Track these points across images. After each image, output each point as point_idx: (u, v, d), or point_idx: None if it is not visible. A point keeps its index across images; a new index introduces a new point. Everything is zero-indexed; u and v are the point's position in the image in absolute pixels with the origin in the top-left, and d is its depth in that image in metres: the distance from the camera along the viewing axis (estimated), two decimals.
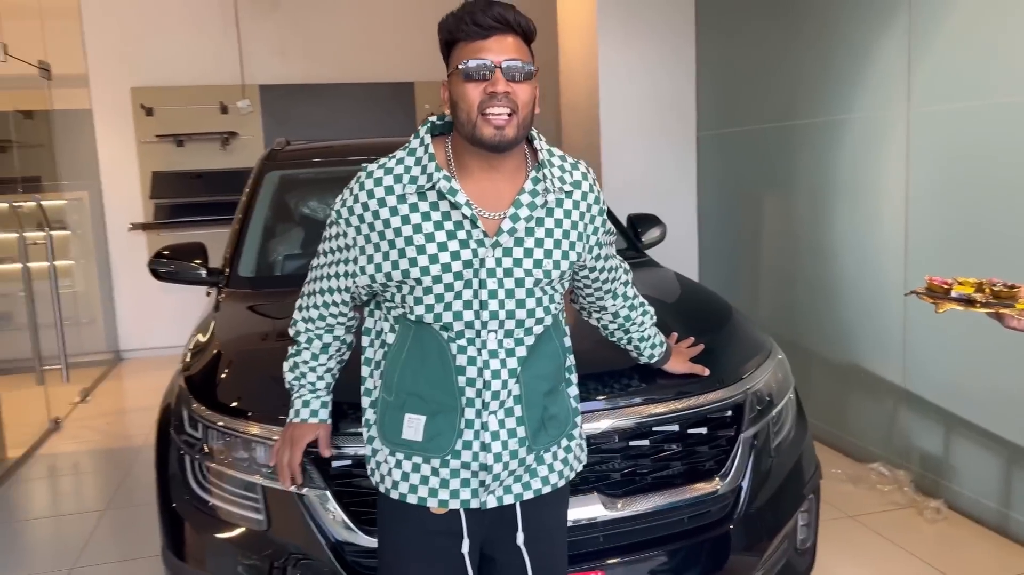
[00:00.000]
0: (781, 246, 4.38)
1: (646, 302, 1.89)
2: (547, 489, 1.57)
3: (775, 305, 4.48)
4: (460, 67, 1.42)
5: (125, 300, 6.74)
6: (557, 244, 1.51)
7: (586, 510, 1.82)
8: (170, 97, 6.69)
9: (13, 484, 4.15)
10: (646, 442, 1.91)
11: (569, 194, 1.54)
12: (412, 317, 1.51)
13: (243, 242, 2.94)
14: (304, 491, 1.81)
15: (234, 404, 1.97)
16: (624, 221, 3.37)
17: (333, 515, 1.80)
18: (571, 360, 1.67)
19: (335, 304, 1.63)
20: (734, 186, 4.81)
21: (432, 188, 1.45)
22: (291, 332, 1.69)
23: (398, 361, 1.53)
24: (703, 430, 1.96)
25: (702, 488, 1.93)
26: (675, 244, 5.06)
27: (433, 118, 1.54)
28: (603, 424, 1.86)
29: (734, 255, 4.86)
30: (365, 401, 1.61)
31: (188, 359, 2.26)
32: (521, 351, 1.51)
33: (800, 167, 4.16)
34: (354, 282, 1.55)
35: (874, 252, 3.67)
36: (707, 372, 1.98)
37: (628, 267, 1.85)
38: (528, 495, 1.56)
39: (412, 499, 1.52)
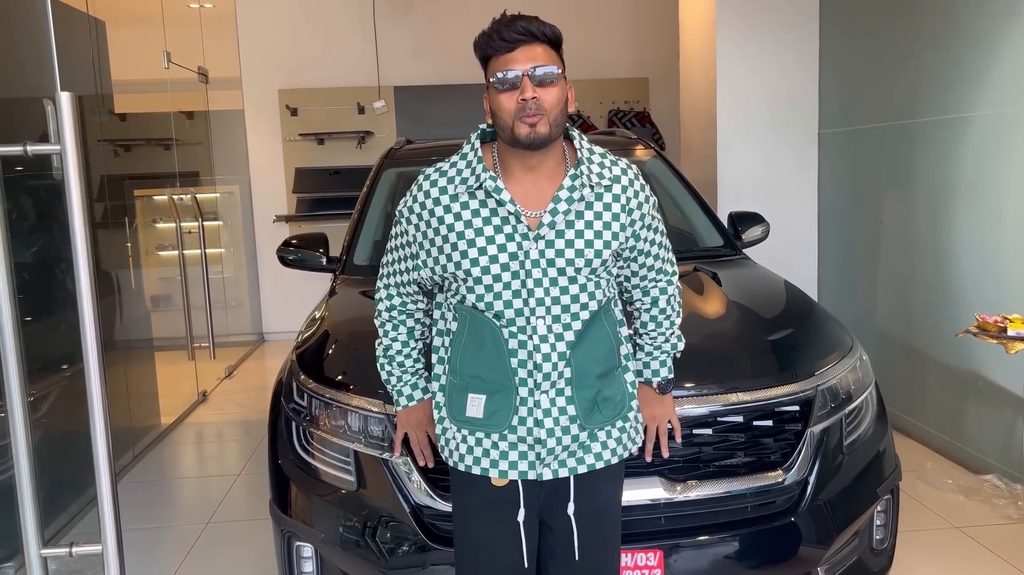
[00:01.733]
0: (900, 248, 4.25)
1: (676, 326, 1.88)
2: (600, 465, 1.69)
3: (893, 307, 4.35)
4: (492, 80, 1.61)
5: (269, 286, 7.28)
6: (598, 235, 1.64)
7: (646, 492, 1.92)
8: (312, 98, 7.17)
9: (165, 446, 4.63)
10: (709, 431, 1.98)
11: (608, 188, 1.67)
12: (468, 305, 1.67)
13: (359, 233, 3.20)
14: (389, 457, 2.00)
15: (337, 378, 2.20)
16: (725, 220, 3.39)
17: (415, 482, 1.98)
18: (627, 348, 1.77)
19: (408, 293, 1.80)
20: (855, 186, 4.69)
21: (480, 187, 1.62)
22: (376, 323, 1.85)
23: (459, 346, 1.69)
24: (769, 422, 2.02)
25: (766, 478, 1.99)
26: (794, 244, 4.98)
27: (483, 126, 1.72)
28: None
29: (854, 256, 4.74)
30: (434, 386, 1.78)
31: (301, 337, 2.52)
32: (570, 335, 1.64)
33: (920, 167, 4.02)
34: (419, 274, 1.72)
35: (996, 255, 3.52)
36: (649, 459, 1.89)
37: (675, 278, 1.88)
38: (582, 469, 1.68)
39: (476, 471, 1.68)
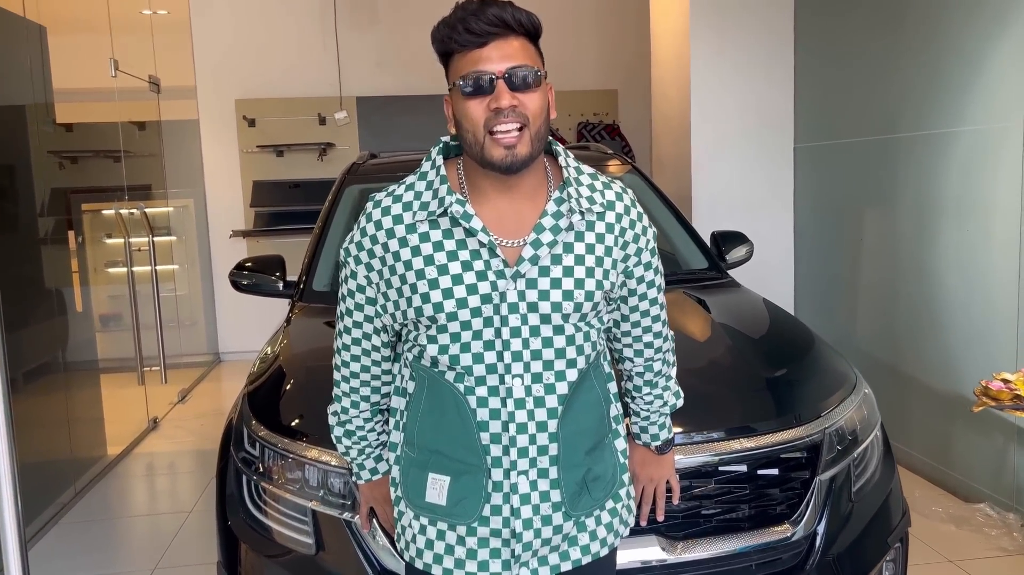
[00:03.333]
0: (882, 266, 4.13)
1: (672, 380, 1.60)
2: (587, 559, 1.39)
3: (874, 328, 4.22)
4: (458, 83, 1.28)
5: (225, 303, 6.98)
6: (589, 272, 1.33)
7: (642, 552, 1.73)
8: (271, 108, 6.90)
9: (111, 480, 4.33)
10: (711, 482, 1.79)
11: (601, 215, 1.36)
12: (426, 361, 1.36)
13: (319, 255, 2.96)
14: (351, 518, 1.78)
15: (293, 425, 1.97)
16: (708, 239, 3.22)
17: (381, 544, 1.76)
18: (617, 408, 1.48)
19: (375, 360, 1.45)
20: (833, 202, 4.57)
21: (444, 214, 1.31)
22: (334, 391, 1.51)
23: (416, 413, 1.38)
24: (775, 471, 1.83)
25: (772, 533, 1.81)
26: (769, 262, 4.84)
27: (446, 138, 1.40)
28: None
29: (832, 274, 4.61)
30: (391, 456, 1.46)
31: (253, 375, 2.28)
32: (552, 401, 1.33)
33: (904, 182, 3.90)
34: (381, 322, 1.40)
35: (984, 274, 3.40)
36: (644, 523, 1.64)
37: (670, 335, 1.57)
38: (566, 566, 1.38)
39: (437, 571, 1.36)
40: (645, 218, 1.45)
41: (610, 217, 1.37)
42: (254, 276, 2.92)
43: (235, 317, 6.95)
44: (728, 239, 3.12)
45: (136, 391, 5.23)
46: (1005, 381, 1.46)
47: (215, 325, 7.03)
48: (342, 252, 1.42)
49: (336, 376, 1.49)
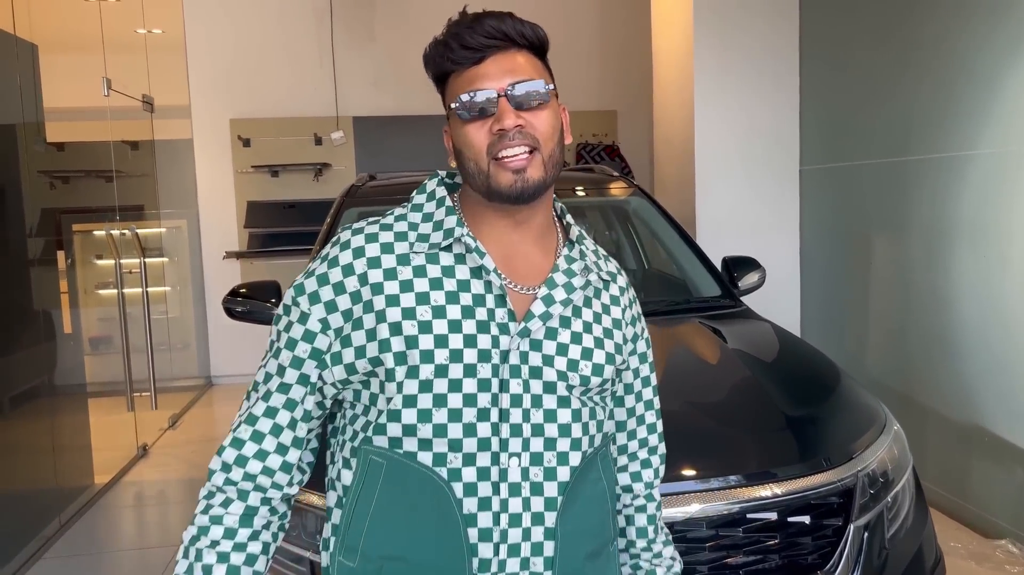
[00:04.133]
0: (893, 292, 4.03)
1: (670, 540, 1.33)
2: None
3: (885, 357, 4.12)
4: (454, 106, 1.10)
5: (217, 326, 6.84)
6: (599, 343, 1.15)
7: None
8: (266, 128, 6.81)
9: (98, 511, 4.18)
10: (739, 531, 1.67)
11: (607, 284, 1.21)
12: (382, 442, 1.08)
13: None
14: None
15: None
16: (719, 264, 3.12)
17: None
18: (621, 519, 1.29)
19: (293, 432, 1.11)
20: (841, 225, 4.48)
21: (448, 248, 1.10)
22: (204, 492, 1.12)
23: (364, 508, 1.09)
24: (806, 519, 1.71)
25: None
26: (774, 287, 4.73)
27: (443, 173, 1.22)
28: (691, 509, 1.64)
29: (840, 301, 4.51)
30: (324, 557, 1.15)
31: None
32: (552, 489, 1.09)
33: (915, 206, 3.81)
34: (320, 393, 1.11)
35: (1001, 301, 3.30)
36: None
37: (662, 458, 1.32)
38: None
39: None
40: (638, 303, 1.29)
41: (614, 289, 1.22)
42: (248, 303, 2.81)
43: (228, 340, 6.81)
44: (740, 265, 3.02)
45: (125, 417, 5.08)
46: None
47: (207, 348, 6.89)
48: (291, 292, 1.13)
49: (215, 466, 1.11)
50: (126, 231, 5.43)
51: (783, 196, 4.84)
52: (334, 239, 1.14)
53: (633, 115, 7.10)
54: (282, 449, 1.11)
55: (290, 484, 1.13)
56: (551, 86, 1.14)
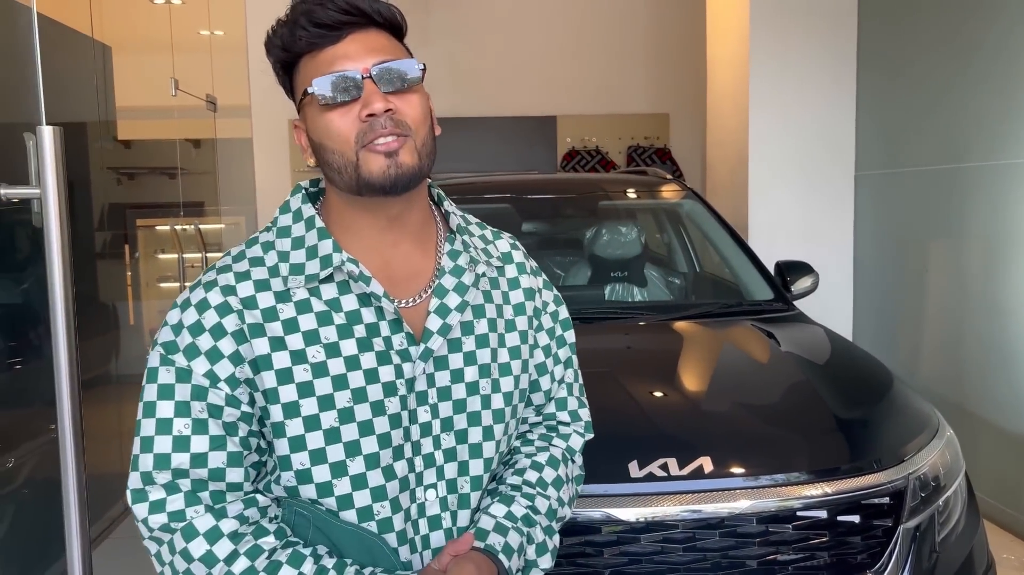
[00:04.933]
0: (948, 299, 3.98)
1: (563, 510, 1.15)
2: None
3: (939, 366, 4.07)
4: (311, 91, 0.97)
5: None
6: (502, 340, 1.06)
7: None
8: None
9: None
10: (788, 527, 1.70)
11: (501, 270, 1.11)
12: (303, 498, 0.98)
13: None
14: None
15: None
16: (772, 268, 3.13)
17: None
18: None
19: (236, 489, 0.97)
20: (896, 232, 4.44)
21: (330, 278, 0.99)
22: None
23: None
24: (856, 518, 1.74)
25: None
26: (827, 293, 4.71)
27: (304, 183, 1.09)
28: (741, 504, 1.67)
29: (893, 308, 4.47)
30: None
31: None
32: (464, 518, 1.03)
33: (972, 214, 3.77)
34: (238, 437, 0.97)
35: None
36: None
37: (588, 435, 1.22)
38: None
39: None
40: (542, 274, 1.19)
41: (510, 271, 1.13)
42: None
43: None
44: (793, 269, 3.03)
45: None
46: None
47: None
48: (158, 349, 0.98)
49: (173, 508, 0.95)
50: (188, 227, 5.61)
51: (838, 202, 4.81)
52: (195, 283, 1.01)
53: (686, 118, 7.10)
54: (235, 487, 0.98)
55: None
56: (421, 66, 1.02)
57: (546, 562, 1.08)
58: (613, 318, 2.67)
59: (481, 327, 1.05)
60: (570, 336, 1.20)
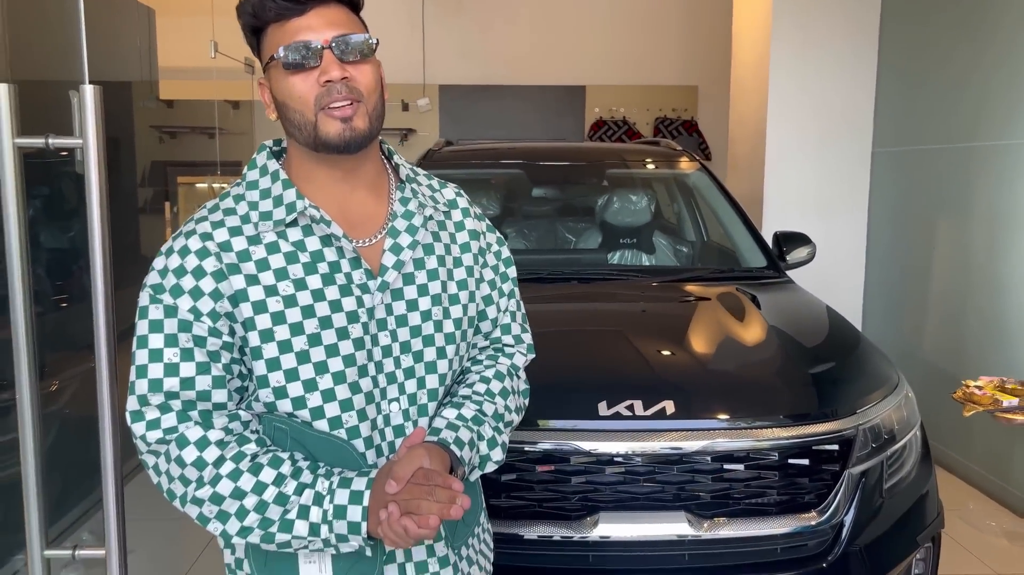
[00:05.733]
0: (953, 276, 4.08)
1: (508, 419, 1.30)
2: None
3: (941, 339, 4.18)
4: (278, 56, 1.12)
5: None
6: (451, 275, 1.23)
7: (671, 527, 1.83)
8: None
9: None
10: (741, 467, 1.88)
11: (448, 215, 1.28)
12: (280, 412, 1.13)
13: None
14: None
15: None
16: (770, 240, 3.27)
17: None
18: None
19: (228, 412, 1.12)
20: (908, 208, 4.52)
21: (294, 223, 1.14)
22: (206, 475, 1.08)
23: None
24: (806, 461, 1.91)
25: (798, 520, 1.88)
26: (839, 267, 4.83)
27: (269, 144, 1.25)
28: (696, 444, 1.85)
29: (902, 283, 4.57)
30: (228, 551, 1.22)
31: None
32: (424, 423, 1.20)
33: (979, 192, 3.85)
34: (221, 363, 1.12)
35: None
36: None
37: (531, 356, 1.39)
38: None
39: None
40: (485, 219, 1.36)
41: (456, 215, 1.29)
42: None
43: None
44: (790, 239, 3.16)
45: None
46: (979, 388, 1.51)
47: None
48: (147, 291, 1.13)
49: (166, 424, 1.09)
50: (225, 185, 5.87)
51: (854, 177, 4.89)
52: (176, 233, 1.16)
53: (715, 91, 7.15)
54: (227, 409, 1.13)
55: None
56: (375, 40, 1.16)
57: (497, 454, 1.25)
58: (610, 279, 2.84)
59: (431, 263, 1.21)
60: (512, 272, 1.37)
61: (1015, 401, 1.45)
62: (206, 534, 3.33)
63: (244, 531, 1.08)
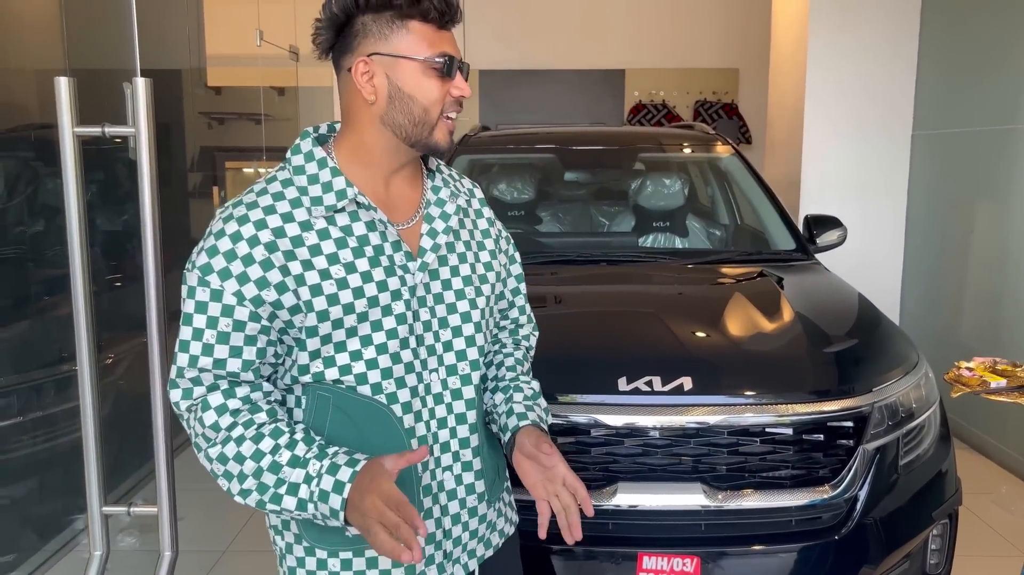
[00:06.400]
0: (991, 260, 4.05)
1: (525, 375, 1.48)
2: (501, 541, 1.43)
3: (979, 322, 4.16)
4: (430, 59, 1.21)
5: None
6: (477, 257, 1.36)
7: (687, 498, 1.90)
8: None
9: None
10: (757, 441, 1.95)
11: (469, 200, 1.41)
12: (328, 380, 1.24)
13: None
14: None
15: None
16: (801, 223, 3.30)
17: None
18: None
19: (249, 380, 1.23)
20: (948, 192, 4.48)
21: (342, 209, 1.23)
22: (207, 447, 1.20)
23: (320, 435, 1.24)
24: (820, 436, 1.97)
25: (813, 493, 1.94)
26: (879, 249, 4.81)
27: (310, 129, 1.32)
28: (712, 419, 1.92)
29: (940, 265, 4.54)
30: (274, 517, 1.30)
31: None
32: (469, 391, 1.32)
33: (1019, 175, 3.82)
34: (255, 347, 1.21)
35: None
36: (570, 541, 1.29)
37: (536, 334, 1.57)
38: (489, 553, 1.39)
39: None
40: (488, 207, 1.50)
41: (475, 203, 1.43)
42: None
43: None
44: (820, 223, 3.19)
45: None
46: (969, 369, 1.54)
47: None
48: (196, 272, 1.20)
49: (203, 428, 1.20)
50: (271, 169, 6.03)
51: (894, 160, 4.85)
52: (227, 215, 1.21)
53: (756, 75, 7.11)
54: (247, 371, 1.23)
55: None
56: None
57: (550, 420, 1.48)
58: (637, 261, 2.91)
59: (460, 247, 1.34)
60: (517, 257, 1.53)
61: (1003, 382, 1.48)
62: None
63: (244, 493, 1.19)
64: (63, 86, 1.57)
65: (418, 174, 1.35)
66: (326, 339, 1.22)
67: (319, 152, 1.26)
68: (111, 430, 3.37)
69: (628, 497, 1.91)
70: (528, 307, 1.54)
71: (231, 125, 5.66)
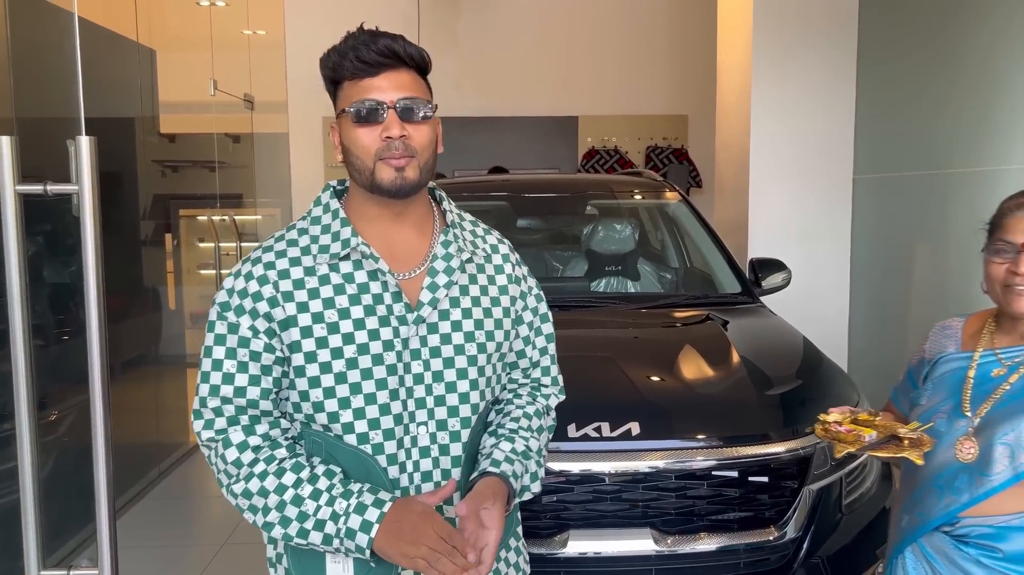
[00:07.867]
0: (930, 300, 4.18)
1: (542, 451, 1.44)
2: None
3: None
4: (348, 110, 1.28)
5: None
6: (487, 313, 1.35)
7: (636, 543, 1.92)
8: None
9: (192, 463, 4.73)
10: (704, 484, 1.98)
11: (488, 258, 1.40)
12: (318, 426, 1.29)
13: None
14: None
15: None
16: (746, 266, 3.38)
17: None
18: None
19: (268, 416, 1.29)
20: (888, 234, 4.63)
21: (347, 257, 1.29)
22: (233, 483, 1.25)
23: None
24: (765, 479, 2.00)
25: (760, 534, 1.97)
26: (825, 292, 4.93)
27: (334, 182, 1.41)
28: (661, 463, 1.95)
29: (884, 307, 4.67)
30: (264, 535, 1.32)
31: None
32: (457, 448, 1.32)
33: (953, 218, 3.96)
34: (271, 377, 1.28)
35: None
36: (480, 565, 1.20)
37: (562, 397, 1.53)
38: None
39: None
40: (525, 266, 1.49)
41: (496, 259, 1.41)
42: None
43: None
44: (765, 266, 3.27)
45: None
46: (839, 423, 1.53)
47: None
48: (216, 308, 1.30)
49: (223, 452, 1.25)
50: (225, 217, 6.00)
51: (836, 204, 5.00)
52: (247, 259, 1.33)
53: (704, 120, 7.29)
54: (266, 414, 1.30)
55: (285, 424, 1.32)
56: (432, 104, 1.32)
57: (536, 487, 1.41)
58: (592, 306, 2.96)
59: (466, 302, 1.34)
60: (550, 316, 1.50)
61: (874, 435, 1.50)
62: (201, 560, 3.44)
63: (268, 526, 1.24)
64: (4, 145, 1.57)
65: (428, 225, 1.38)
66: (314, 382, 1.26)
67: (334, 204, 1.35)
68: (54, 488, 3.30)
69: (580, 544, 1.93)
70: (555, 369, 1.50)
71: (185, 172, 5.63)
